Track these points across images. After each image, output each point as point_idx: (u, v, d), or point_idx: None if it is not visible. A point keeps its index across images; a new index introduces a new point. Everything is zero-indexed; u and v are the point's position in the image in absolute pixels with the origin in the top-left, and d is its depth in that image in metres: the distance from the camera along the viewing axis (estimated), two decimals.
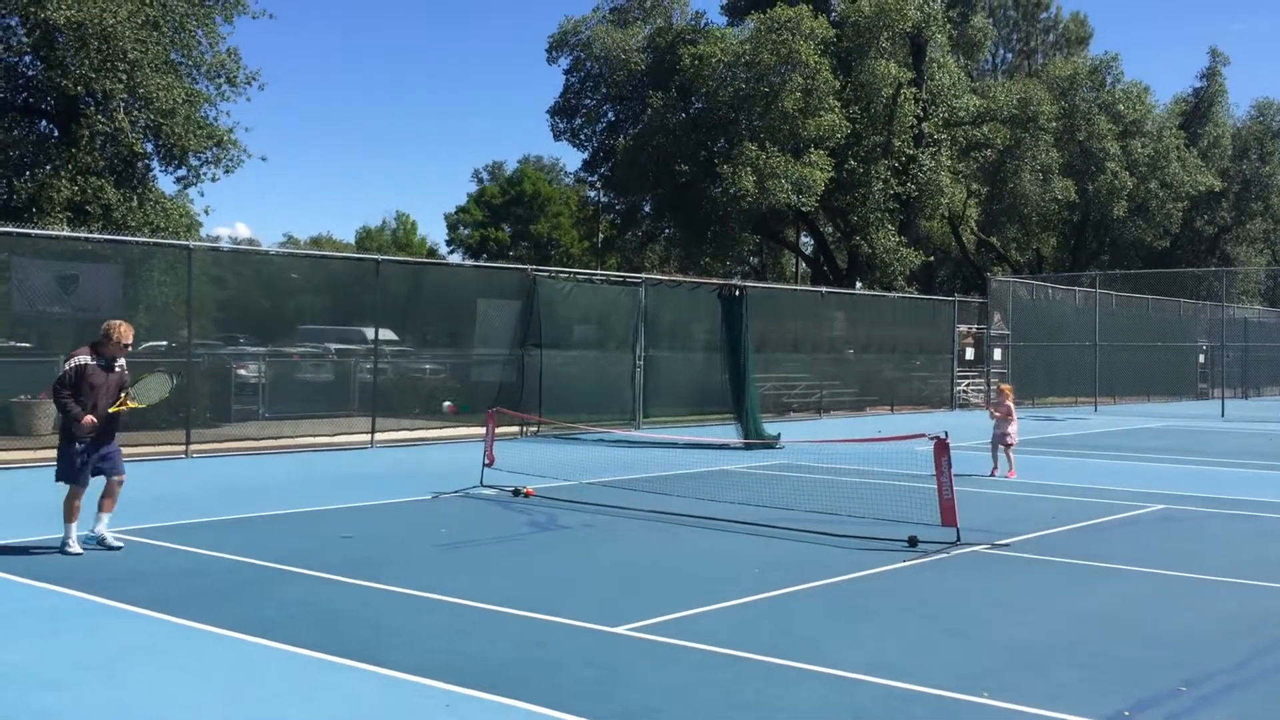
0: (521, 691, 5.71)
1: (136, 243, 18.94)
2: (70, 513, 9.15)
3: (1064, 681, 6.10)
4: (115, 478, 9.45)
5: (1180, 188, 48.51)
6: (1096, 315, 35.03)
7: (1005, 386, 17.20)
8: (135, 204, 22.06)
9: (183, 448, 16.81)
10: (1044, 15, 58.32)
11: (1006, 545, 10.05)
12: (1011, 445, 15.72)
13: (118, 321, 9.47)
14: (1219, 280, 42.82)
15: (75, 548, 9.06)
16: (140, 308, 19.83)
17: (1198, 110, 53.78)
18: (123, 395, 9.30)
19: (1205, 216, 54.24)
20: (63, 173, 21.42)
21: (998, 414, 15.91)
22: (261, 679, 5.97)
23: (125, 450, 16.28)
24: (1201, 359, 41.62)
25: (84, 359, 9.17)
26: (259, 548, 9.46)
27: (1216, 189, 51.04)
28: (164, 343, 20.23)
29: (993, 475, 15.33)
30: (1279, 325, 48.84)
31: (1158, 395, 39.18)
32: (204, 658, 6.35)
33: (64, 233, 18.77)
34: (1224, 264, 51.36)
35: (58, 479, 9.25)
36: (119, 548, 9.27)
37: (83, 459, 9.20)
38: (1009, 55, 58.45)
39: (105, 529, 9.40)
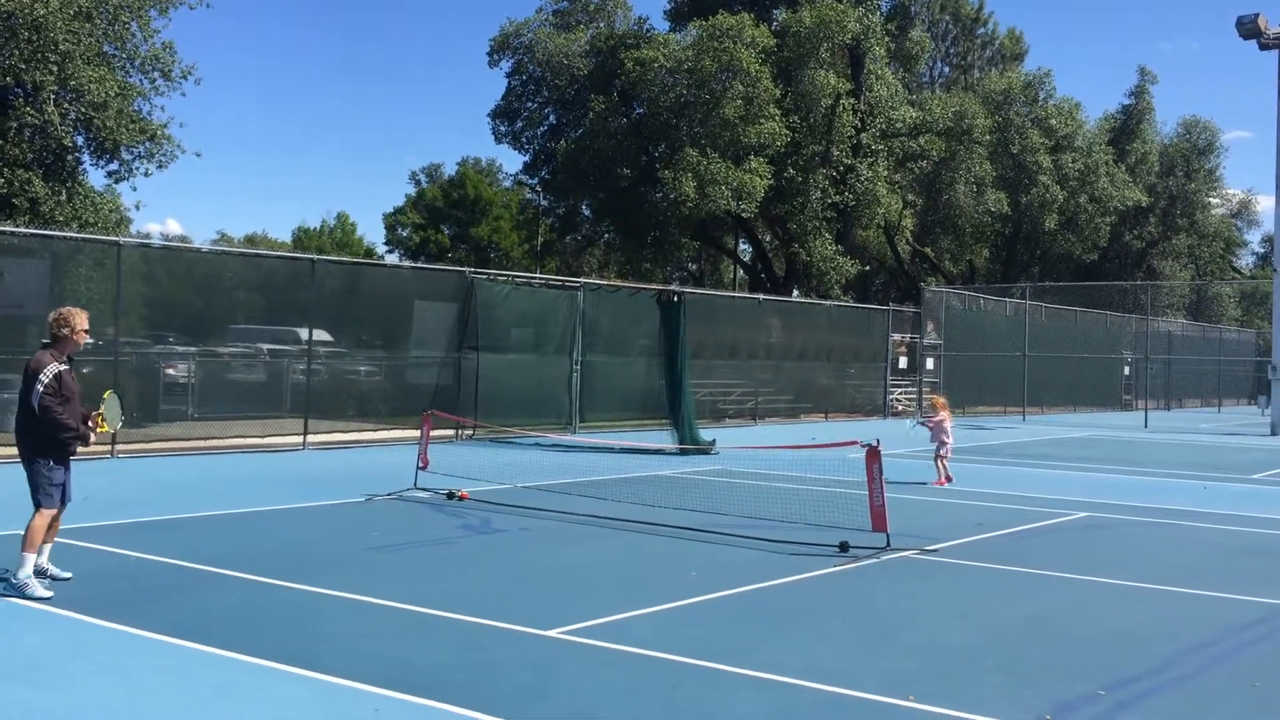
0: (454, 696, 5.70)
1: (64, 238, 18.56)
2: (35, 541, 7.81)
3: (988, 685, 6.22)
4: (68, 502, 8.31)
5: (1109, 202, 49.67)
6: (1026, 326, 35.73)
7: (938, 399, 17.50)
8: (64, 198, 21.65)
9: (109, 448, 16.49)
10: (980, 31, 59.38)
11: (935, 551, 10.22)
12: (945, 456, 16.01)
13: (72, 309, 8.18)
14: (1144, 293, 43.91)
15: (40, 589, 7.60)
16: (66, 304, 19.41)
17: (1126, 127, 55.10)
18: (95, 415, 8.29)
19: (1133, 231, 55.57)
20: None
21: (933, 420, 16.25)
22: (188, 683, 5.88)
23: None
24: (1127, 370, 42.62)
25: (57, 364, 7.91)
26: (187, 549, 9.32)
27: (1143, 204, 52.33)
28: (90, 340, 19.82)
29: (940, 484, 15.55)
30: (1201, 339, 50.22)
31: (1084, 405, 40.02)
32: (129, 661, 6.25)
33: None
34: (1150, 278, 52.65)
35: (40, 505, 7.90)
36: (68, 578, 8.05)
37: (64, 480, 8.07)
38: (946, 69, 59.41)
39: (48, 560, 8.16)
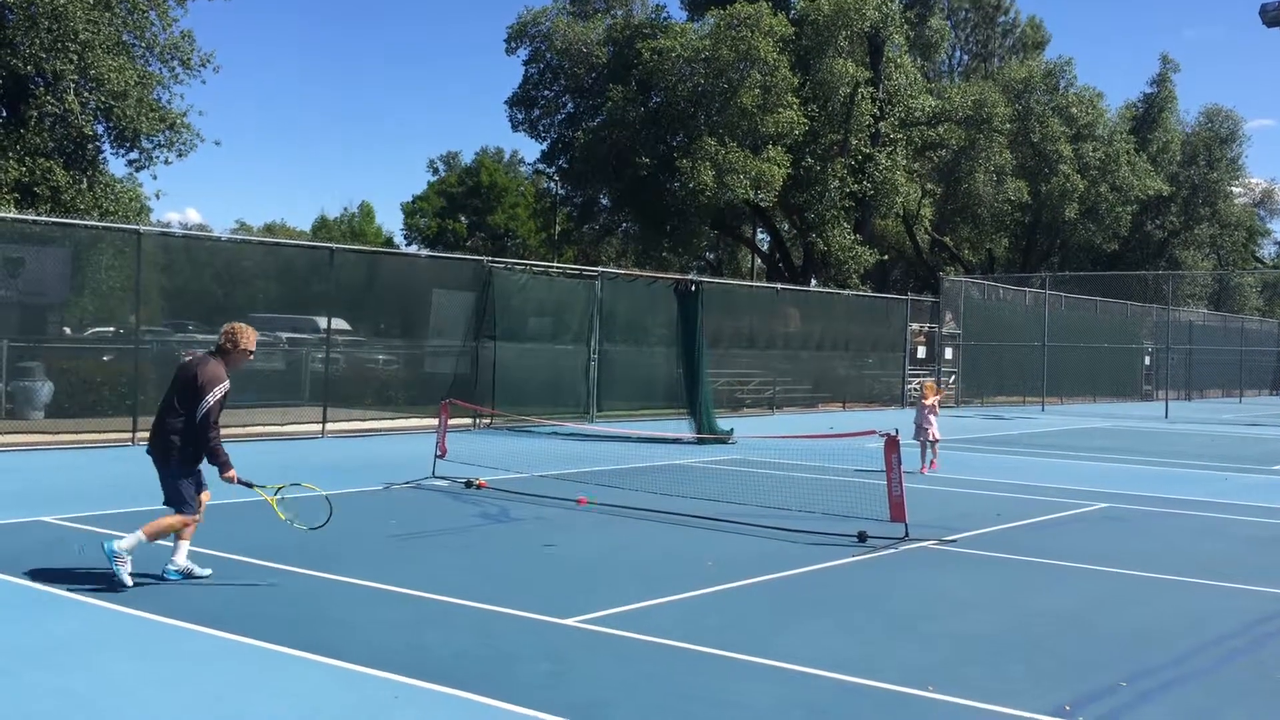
0: (472, 683, 5.71)
1: (85, 226, 18.65)
2: (158, 530, 7.77)
3: (1008, 676, 6.20)
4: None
5: (1130, 191, 49.32)
6: (1045, 316, 35.54)
7: (928, 384, 17.30)
8: (85, 186, 21.76)
9: (129, 435, 16.58)
10: (1002, 19, 58.97)
11: (954, 541, 10.18)
12: (936, 440, 15.94)
13: (246, 326, 8.09)
14: (1165, 283, 43.62)
15: (126, 578, 7.52)
16: (87, 292, 19.54)
17: (1148, 116, 54.67)
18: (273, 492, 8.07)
19: (1154, 221, 55.19)
20: (10, 154, 21.05)
21: (926, 401, 16.16)
22: (209, 669, 5.92)
23: (70, 438, 16.27)
24: (1147, 361, 42.35)
25: (227, 382, 7.81)
26: (208, 537, 9.34)
27: (1165, 193, 51.92)
28: (111, 329, 19.93)
29: (923, 472, 15.47)
30: (1223, 328, 49.85)
31: (1104, 396, 39.81)
32: (152, 648, 6.29)
33: (11, 214, 18.45)
34: (1171, 267, 52.29)
35: (181, 511, 7.80)
36: (208, 574, 7.96)
37: (199, 485, 7.97)
38: (965, 57, 59.05)
39: (187, 558, 7.99)
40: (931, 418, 15.97)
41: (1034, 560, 9.53)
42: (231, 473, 7.77)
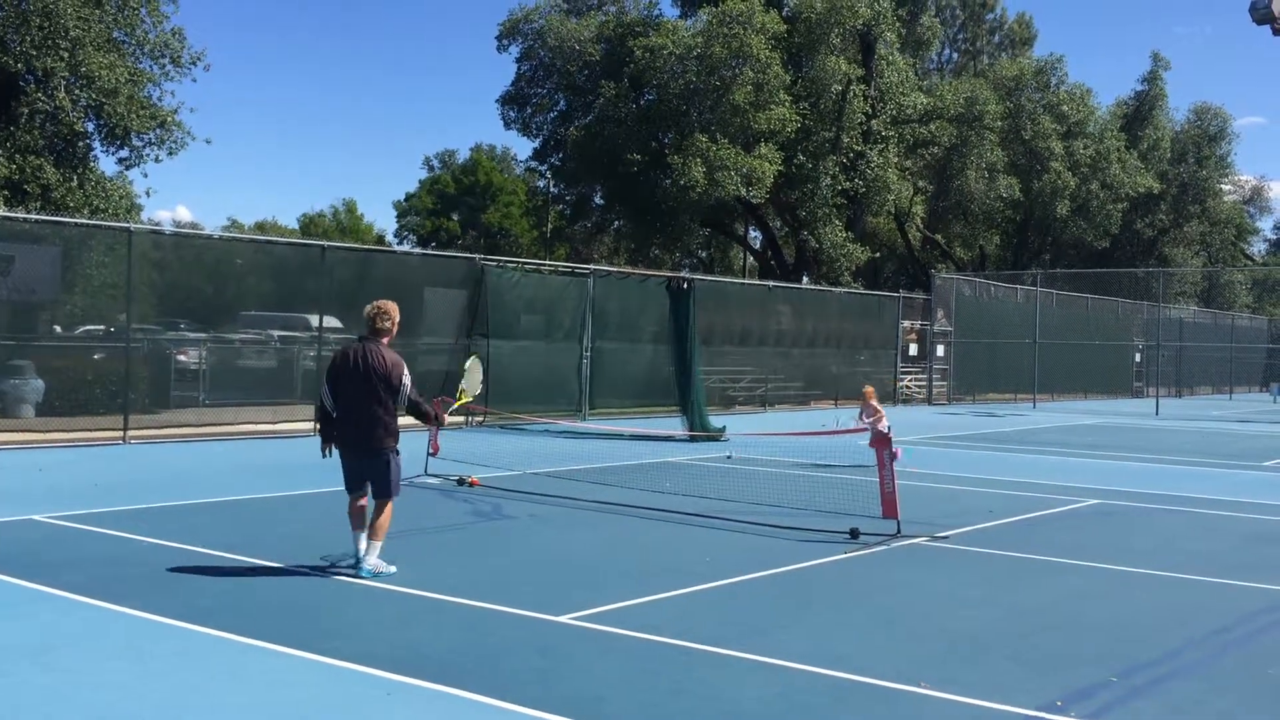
0: (465, 680, 5.71)
1: (75, 224, 18.58)
2: (385, 528, 8.18)
3: (999, 671, 6.21)
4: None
5: (1120, 189, 49.44)
6: (1037, 313, 35.62)
7: (868, 389, 16.59)
8: (75, 184, 21.66)
9: (120, 434, 16.55)
10: (989, 16, 59.06)
11: (946, 538, 10.20)
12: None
13: (390, 302, 8.37)
14: (1156, 280, 43.72)
15: (387, 565, 8.06)
16: (78, 290, 19.47)
17: (1138, 113, 54.78)
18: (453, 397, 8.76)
19: (1145, 218, 55.29)
20: (0, 151, 20.96)
21: (869, 419, 15.70)
22: (199, 666, 5.91)
23: (61, 437, 16.22)
24: (1137, 357, 42.48)
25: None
26: (198, 535, 9.35)
27: (1155, 191, 52.04)
28: (102, 327, 19.87)
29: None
30: (1213, 325, 50.01)
31: (1095, 392, 39.92)
32: (141, 644, 6.27)
33: (0, 212, 18.37)
34: (1161, 265, 52.41)
35: (392, 495, 8.20)
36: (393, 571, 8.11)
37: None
38: (954, 55, 59.13)
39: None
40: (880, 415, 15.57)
41: (1025, 556, 9.56)
42: (444, 416, 8.46)
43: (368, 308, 8.26)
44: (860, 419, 15.79)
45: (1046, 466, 16.94)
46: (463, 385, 8.42)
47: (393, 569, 8.03)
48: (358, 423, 8.03)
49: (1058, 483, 14.72)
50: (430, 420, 8.42)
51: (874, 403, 15.72)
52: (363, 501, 8.16)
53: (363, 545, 8.01)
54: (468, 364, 8.60)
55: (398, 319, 8.26)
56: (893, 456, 15.22)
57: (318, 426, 8.51)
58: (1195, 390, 46.25)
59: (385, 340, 8.15)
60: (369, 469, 8.10)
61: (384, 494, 8.13)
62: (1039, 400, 34.88)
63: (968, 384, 35.73)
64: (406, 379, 8.04)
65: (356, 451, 8.11)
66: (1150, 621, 7.47)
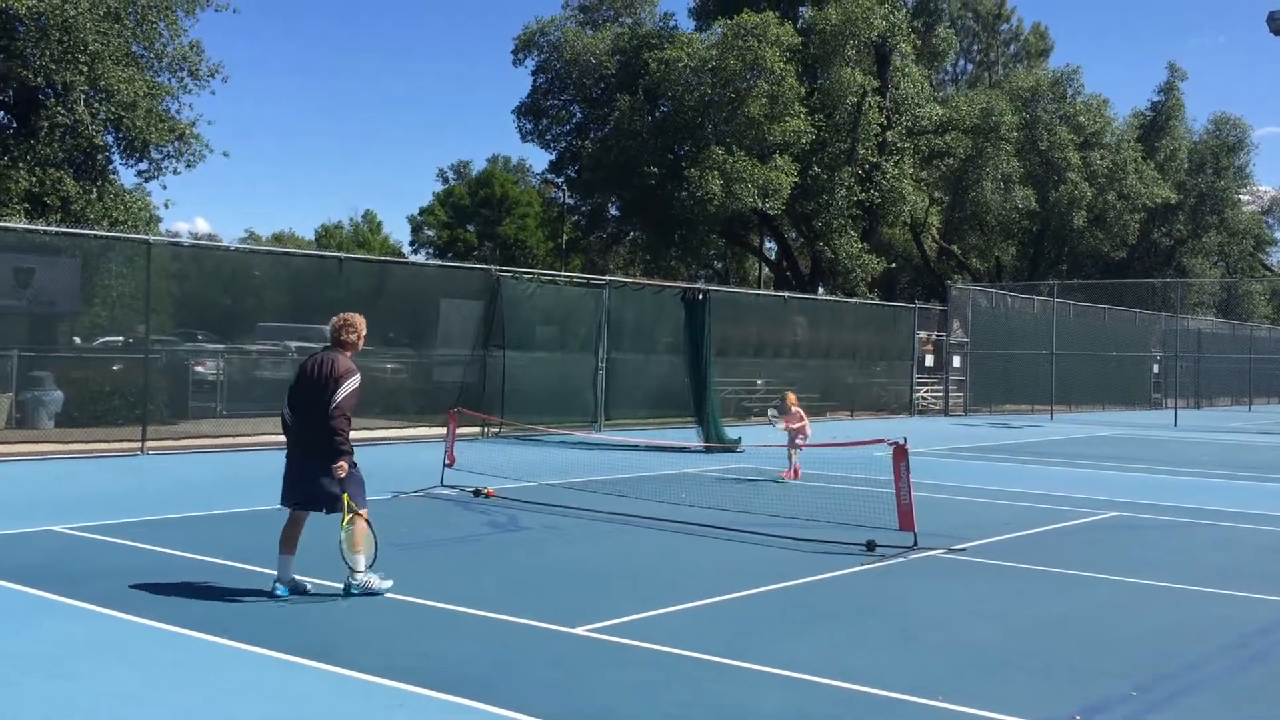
0: (480, 692, 5.71)
1: (95, 236, 18.72)
2: (369, 544, 7.79)
3: (1017, 685, 6.18)
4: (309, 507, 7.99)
5: (1137, 199, 49.25)
6: (1054, 324, 35.46)
7: (791, 395, 16.31)
8: (94, 196, 21.83)
9: (139, 444, 16.62)
10: (1004, 27, 58.96)
11: (963, 550, 10.15)
12: (800, 448, 15.36)
13: (358, 315, 8.14)
14: (1173, 291, 43.48)
15: (382, 581, 7.80)
16: (97, 302, 19.60)
17: (1155, 124, 54.57)
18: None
19: (1162, 229, 55.05)
20: (21, 164, 21.15)
21: (793, 425, 15.43)
22: (214, 677, 5.92)
23: (80, 448, 16.32)
24: (1155, 369, 42.22)
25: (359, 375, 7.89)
26: (215, 545, 9.38)
27: (1173, 201, 51.79)
28: (121, 338, 19.99)
29: (788, 477, 15.01)
30: (1231, 336, 49.70)
31: (1112, 404, 39.70)
32: (155, 655, 6.29)
33: (21, 224, 18.52)
34: (1179, 275, 52.13)
35: (356, 506, 7.76)
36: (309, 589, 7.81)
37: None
38: (969, 66, 59.03)
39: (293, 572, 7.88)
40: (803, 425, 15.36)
41: (1043, 569, 9.50)
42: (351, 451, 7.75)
43: (334, 319, 8.05)
44: (781, 427, 15.46)
45: (1064, 478, 16.85)
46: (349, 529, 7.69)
47: (388, 583, 7.79)
48: (302, 425, 7.81)
49: (1075, 495, 14.64)
50: (336, 438, 7.65)
51: (796, 409, 15.46)
52: (299, 521, 7.85)
53: (289, 569, 7.75)
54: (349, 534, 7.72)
55: (364, 333, 8.05)
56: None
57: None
58: (1214, 401, 45.93)
59: (348, 353, 7.92)
60: (308, 474, 7.75)
61: (333, 506, 7.71)
62: (1056, 412, 34.71)
63: (984, 395, 35.58)
64: (345, 389, 7.69)
65: (299, 453, 7.83)
66: (1169, 635, 7.42)
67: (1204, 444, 25.14)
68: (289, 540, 7.82)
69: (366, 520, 7.79)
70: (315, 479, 7.74)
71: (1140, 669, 6.53)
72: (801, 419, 15.56)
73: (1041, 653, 6.86)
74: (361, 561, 7.73)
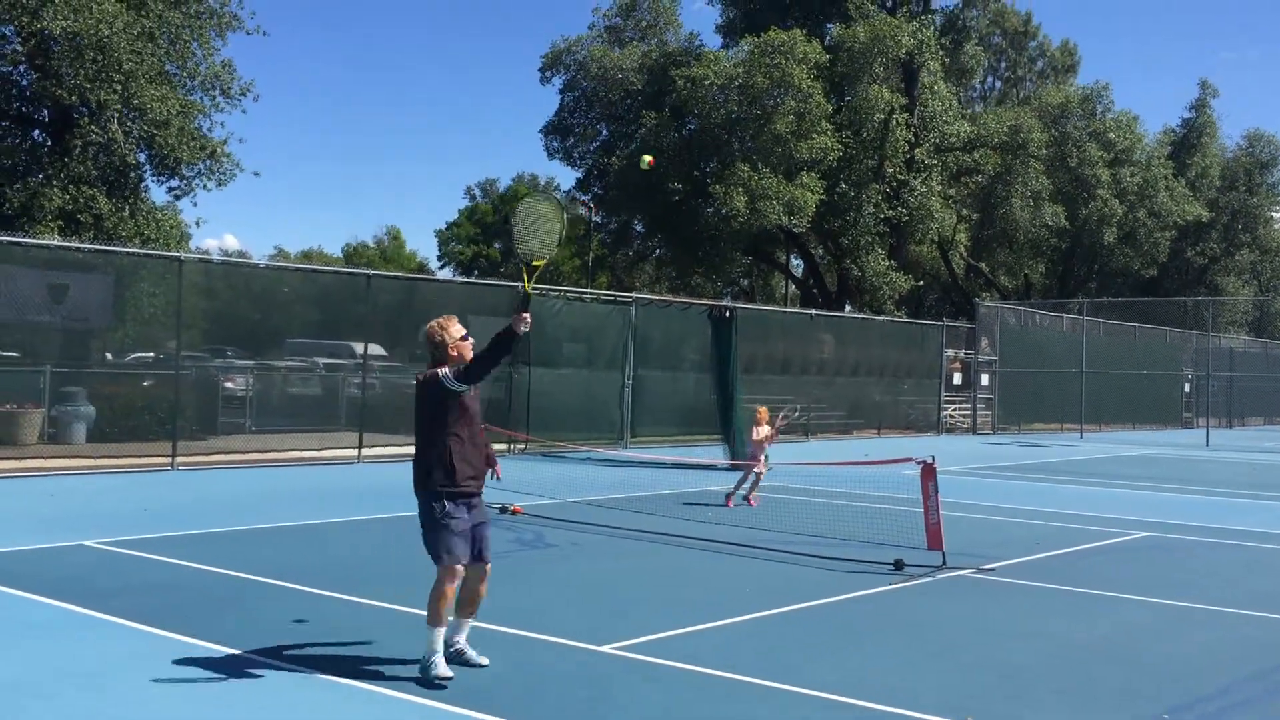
0: (508, 710, 5.70)
1: (127, 253, 18.92)
2: (441, 611, 6.18)
3: (1048, 706, 6.11)
4: (488, 562, 6.52)
5: (1168, 217, 48.86)
6: (1084, 342, 35.19)
7: (762, 410, 15.03)
8: (126, 214, 22.09)
9: (169, 460, 16.75)
10: (1031, 44, 58.75)
11: (992, 570, 10.07)
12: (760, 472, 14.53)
13: (442, 319, 6.78)
14: (1205, 309, 43.08)
15: (444, 669, 6.13)
16: (129, 318, 19.81)
17: (1186, 141, 54.17)
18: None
19: (1194, 246, 54.55)
20: (55, 182, 21.44)
21: (767, 439, 14.54)
22: (245, 692, 5.94)
23: (111, 463, 16.45)
24: (1187, 388, 41.80)
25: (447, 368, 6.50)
26: (245, 561, 9.42)
27: (1204, 219, 51.36)
28: (152, 354, 20.19)
29: (732, 503, 14.25)
30: (1264, 355, 49.16)
31: (1143, 423, 39.31)
32: (188, 670, 6.32)
33: (55, 241, 18.75)
34: (1211, 293, 51.64)
35: (436, 561, 6.30)
36: (484, 665, 6.42)
37: (461, 521, 6.29)
38: (997, 83, 58.84)
39: (466, 639, 6.49)
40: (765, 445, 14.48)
41: (1074, 590, 9.41)
42: (482, 472, 6.56)
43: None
44: (757, 440, 14.49)
45: (1095, 498, 16.69)
46: (523, 241, 6.47)
47: (449, 675, 6.14)
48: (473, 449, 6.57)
49: (1106, 514, 14.50)
50: (507, 338, 6.39)
51: (765, 426, 14.52)
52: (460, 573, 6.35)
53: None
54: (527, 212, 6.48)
55: (441, 340, 6.60)
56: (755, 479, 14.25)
57: None
58: (1246, 421, 45.43)
59: (444, 367, 6.51)
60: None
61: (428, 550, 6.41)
62: (1086, 430, 34.42)
63: (1013, 414, 35.33)
64: (446, 372, 6.42)
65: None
66: (1202, 657, 7.33)
67: (1236, 464, 24.85)
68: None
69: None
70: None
71: (1174, 691, 6.45)
72: (770, 436, 14.58)
73: (1073, 674, 6.79)
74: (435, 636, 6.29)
